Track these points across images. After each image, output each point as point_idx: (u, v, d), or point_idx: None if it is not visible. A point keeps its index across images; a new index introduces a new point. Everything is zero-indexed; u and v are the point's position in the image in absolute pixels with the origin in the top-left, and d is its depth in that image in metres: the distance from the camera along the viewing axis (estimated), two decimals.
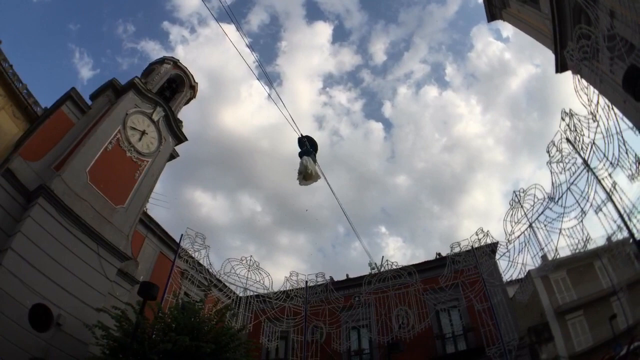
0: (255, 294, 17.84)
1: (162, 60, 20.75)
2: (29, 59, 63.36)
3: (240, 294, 17.68)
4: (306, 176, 9.00)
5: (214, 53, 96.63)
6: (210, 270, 16.94)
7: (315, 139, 9.47)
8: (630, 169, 11.01)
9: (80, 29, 74.09)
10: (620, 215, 11.88)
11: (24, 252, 11.70)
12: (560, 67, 11.84)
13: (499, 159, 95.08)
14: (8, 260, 11.21)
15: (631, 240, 12.77)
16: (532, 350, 18.87)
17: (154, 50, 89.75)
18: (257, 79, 23.39)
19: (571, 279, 21.68)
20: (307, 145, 9.16)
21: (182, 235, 16.19)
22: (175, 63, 20.89)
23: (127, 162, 16.60)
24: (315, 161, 9.14)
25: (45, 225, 12.66)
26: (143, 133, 17.52)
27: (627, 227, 11.77)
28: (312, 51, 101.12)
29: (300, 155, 9.21)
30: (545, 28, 11.88)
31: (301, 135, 9.04)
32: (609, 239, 14.08)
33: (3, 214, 12.18)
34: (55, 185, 13.22)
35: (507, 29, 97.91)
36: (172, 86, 20.75)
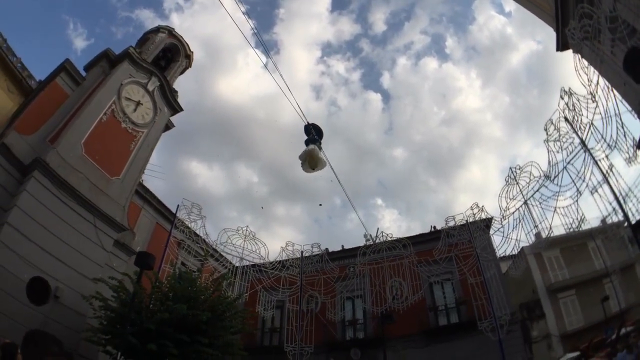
0: (251, 263, 18.19)
1: (156, 29, 20.17)
2: (22, 32, 62.06)
3: (237, 264, 17.98)
4: (311, 164, 9.02)
5: (209, 21, 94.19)
6: (206, 240, 17.21)
7: (320, 127, 9.44)
8: (628, 152, 10.78)
9: None
10: (616, 198, 11.74)
11: (20, 226, 11.83)
12: (562, 46, 11.36)
13: (496, 135, 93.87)
14: (5, 235, 11.35)
15: (626, 224, 12.69)
16: (524, 326, 19.25)
17: (149, 19, 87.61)
18: (253, 49, 22.59)
19: (564, 257, 21.72)
20: (313, 133, 9.12)
21: (178, 206, 16.45)
22: (170, 32, 20.34)
23: (122, 133, 16.51)
24: (320, 149, 9.17)
25: (41, 199, 12.74)
26: (138, 103, 17.33)
27: (623, 210, 11.65)
28: (310, 19, 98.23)
29: (307, 143, 9.24)
30: (547, 5, 11.32)
31: (307, 123, 8.98)
32: (603, 220, 14.02)
33: None
34: (50, 158, 13.25)
35: (509, 3, 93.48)
36: (167, 55, 20.30)
